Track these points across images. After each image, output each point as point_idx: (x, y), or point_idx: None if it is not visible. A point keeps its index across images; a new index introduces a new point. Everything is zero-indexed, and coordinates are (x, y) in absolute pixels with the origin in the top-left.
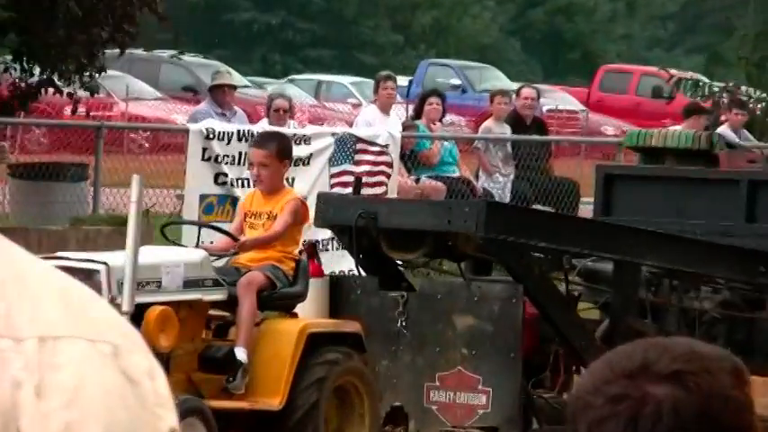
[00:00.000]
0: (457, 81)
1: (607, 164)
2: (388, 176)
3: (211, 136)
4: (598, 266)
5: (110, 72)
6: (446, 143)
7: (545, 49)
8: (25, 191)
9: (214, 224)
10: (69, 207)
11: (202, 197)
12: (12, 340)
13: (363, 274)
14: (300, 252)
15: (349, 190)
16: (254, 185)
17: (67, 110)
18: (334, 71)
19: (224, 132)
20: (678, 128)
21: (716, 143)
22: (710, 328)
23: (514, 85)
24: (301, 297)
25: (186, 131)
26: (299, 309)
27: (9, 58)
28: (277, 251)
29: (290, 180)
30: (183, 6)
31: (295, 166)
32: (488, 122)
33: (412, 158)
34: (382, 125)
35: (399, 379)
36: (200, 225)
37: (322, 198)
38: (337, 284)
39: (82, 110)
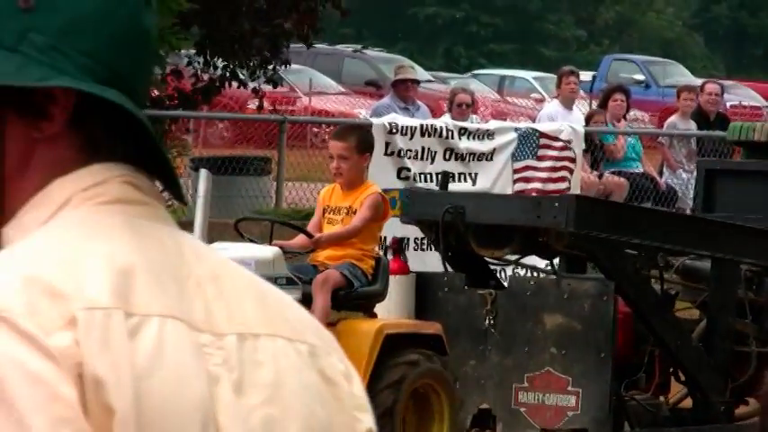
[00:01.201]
0: (640, 76)
1: (708, 159)
2: (571, 172)
3: (394, 130)
4: (697, 264)
5: (293, 66)
6: (630, 139)
7: (728, 45)
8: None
9: (290, 221)
10: (252, 201)
11: (385, 192)
12: (212, 335)
13: (450, 270)
14: (386, 248)
15: (533, 186)
16: (334, 179)
17: (251, 104)
18: (518, 66)
19: (407, 127)
20: None
21: None
22: None
23: (698, 81)
24: (380, 296)
25: (369, 126)
26: (383, 307)
27: (192, 51)
28: (356, 249)
29: (474, 175)
30: (367, 0)
31: (478, 161)
32: (673, 118)
33: (596, 151)
34: (565, 120)
35: (487, 380)
36: (274, 221)
37: (408, 193)
38: (424, 282)
39: (266, 104)
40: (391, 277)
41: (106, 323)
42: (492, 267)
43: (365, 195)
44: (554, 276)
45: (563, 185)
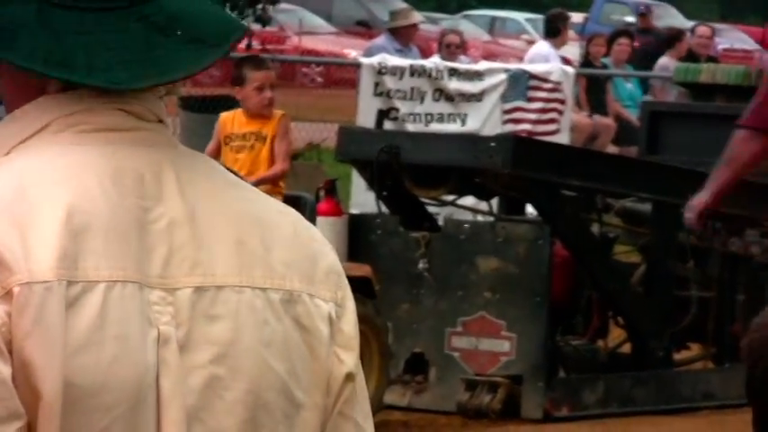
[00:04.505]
0: (632, 18)
1: (654, 101)
2: (561, 113)
3: (384, 71)
4: (638, 207)
5: (283, 5)
6: (629, 86)
7: None
8: (196, 123)
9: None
10: None
11: None
12: (164, 291)
13: (385, 211)
14: (319, 189)
15: (522, 127)
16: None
17: (240, 43)
18: (509, 7)
19: (397, 67)
20: None
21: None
22: (757, 275)
23: (689, 23)
24: None
25: (358, 66)
26: None
27: None
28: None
29: (463, 116)
30: None
31: (467, 101)
32: (664, 60)
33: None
34: (556, 62)
35: (420, 324)
36: None
37: (343, 131)
38: (357, 224)
39: (255, 43)
40: (323, 219)
41: (44, 298)
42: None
43: (277, 118)
44: (490, 219)
45: (553, 127)
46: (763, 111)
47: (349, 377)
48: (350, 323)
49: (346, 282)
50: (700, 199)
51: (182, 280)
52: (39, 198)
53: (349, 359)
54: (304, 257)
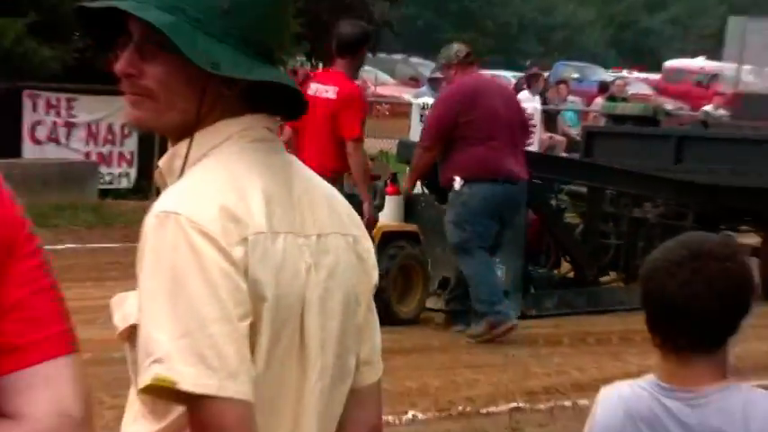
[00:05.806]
0: (576, 75)
1: (590, 125)
2: (532, 134)
3: (425, 107)
4: (579, 189)
5: (366, 67)
6: (570, 113)
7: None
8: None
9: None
10: None
11: None
12: (304, 238)
13: (426, 192)
14: (387, 179)
15: None
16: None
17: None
18: (499, 68)
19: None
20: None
21: (659, 112)
22: (650, 231)
23: (611, 77)
24: (380, 209)
25: (410, 104)
26: (382, 215)
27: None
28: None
29: None
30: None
31: None
32: (599, 99)
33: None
34: (532, 103)
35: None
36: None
37: (401, 143)
38: (408, 200)
39: None
40: (389, 197)
41: (264, 243)
42: None
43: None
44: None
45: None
46: (428, 134)
47: (375, 287)
48: (373, 253)
49: None
50: (405, 181)
51: (311, 229)
52: (246, 182)
53: (376, 276)
54: (349, 214)
